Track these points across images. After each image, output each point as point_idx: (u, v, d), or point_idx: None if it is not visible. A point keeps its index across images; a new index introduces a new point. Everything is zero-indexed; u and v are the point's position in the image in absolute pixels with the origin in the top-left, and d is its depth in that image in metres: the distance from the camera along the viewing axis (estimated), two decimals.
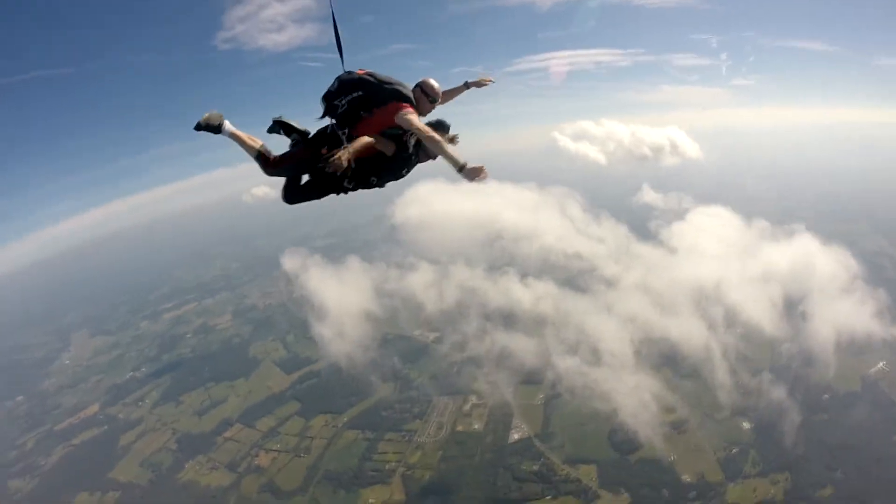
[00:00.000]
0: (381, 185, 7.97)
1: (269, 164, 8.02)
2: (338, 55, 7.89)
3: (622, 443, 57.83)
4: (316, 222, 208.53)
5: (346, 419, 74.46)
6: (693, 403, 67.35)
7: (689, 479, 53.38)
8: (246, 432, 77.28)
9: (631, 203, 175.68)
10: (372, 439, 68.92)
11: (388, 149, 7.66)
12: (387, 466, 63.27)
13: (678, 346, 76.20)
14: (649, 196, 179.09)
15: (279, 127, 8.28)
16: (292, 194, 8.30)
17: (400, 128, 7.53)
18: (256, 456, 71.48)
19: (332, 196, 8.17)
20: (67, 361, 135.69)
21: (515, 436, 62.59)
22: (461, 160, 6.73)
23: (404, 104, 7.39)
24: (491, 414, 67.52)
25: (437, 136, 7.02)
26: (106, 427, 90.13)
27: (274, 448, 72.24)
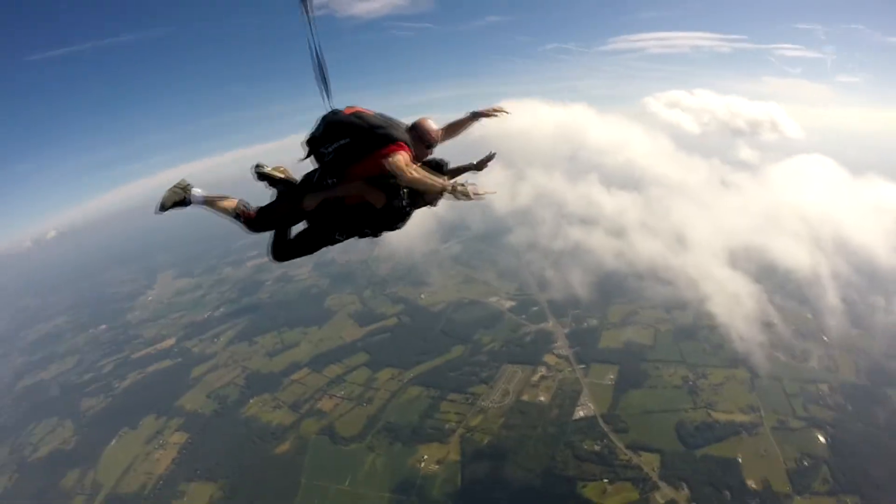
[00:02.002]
0: (377, 236, 7.55)
1: (249, 223, 7.66)
2: (325, 84, 7.45)
3: (689, 436, 55.95)
4: None
5: (412, 375, 76.25)
6: (790, 321, 68.63)
7: (753, 485, 50.92)
8: (313, 377, 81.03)
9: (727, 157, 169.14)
10: (435, 398, 70.25)
11: (378, 200, 7.14)
12: (446, 426, 64.31)
13: (778, 261, 73.05)
14: (745, 153, 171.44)
15: (260, 177, 7.96)
16: (281, 251, 7.89)
17: (389, 177, 6.95)
18: (320, 400, 74.87)
19: None
20: (151, 298, 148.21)
21: (581, 413, 61.82)
22: (448, 189, 6.62)
23: (392, 146, 6.79)
24: (559, 388, 67.04)
25: (426, 179, 6.64)
26: (180, 359, 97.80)
27: (338, 395, 75.33)
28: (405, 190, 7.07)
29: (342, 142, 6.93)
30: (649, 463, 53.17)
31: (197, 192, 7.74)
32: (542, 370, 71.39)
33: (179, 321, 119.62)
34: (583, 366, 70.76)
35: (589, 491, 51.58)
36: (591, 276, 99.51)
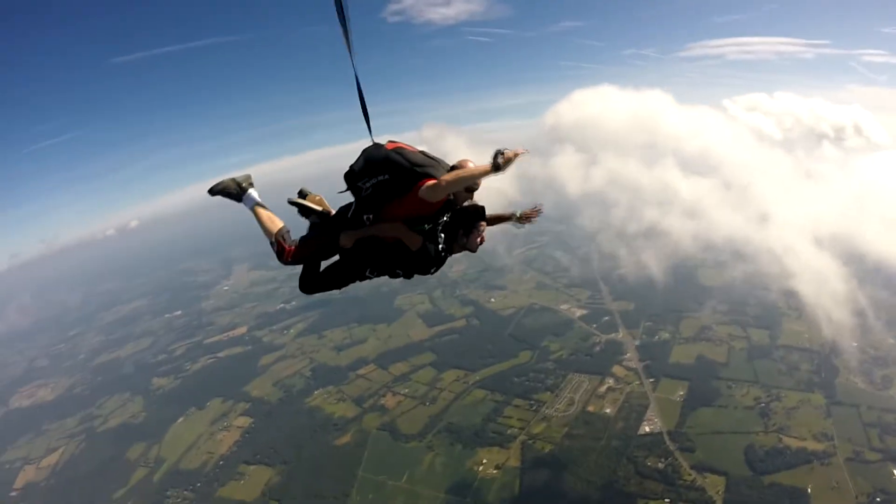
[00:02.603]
0: (409, 277, 7.31)
1: (283, 255, 7.53)
2: (366, 119, 7.02)
3: (758, 460, 53.31)
4: None
5: (477, 378, 76.60)
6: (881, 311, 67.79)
7: None
8: (378, 373, 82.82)
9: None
10: (499, 402, 70.21)
11: (413, 243, 6.89)
12: (508, 431, 64.17)
13: (868, 250, 69.68)
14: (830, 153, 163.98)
15: (296, 207, 7.84)
16: (310, 284, 7.74)
17: (426, 220, 6.88)
18: (384, 396, 76.47)
19: None
20: (226, 288, 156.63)
21: (647, 428, 60.38)
22: (489, 167, 6.06)
23: (427, 180, 6.61)
24: (626, 401, 65.72)
25: (461, 175, 6.38)
26: (250, 347, 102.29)
27: (402, 392, 76.64)
28: (442, 234, 6.97)
29: (381, 178, 6.81)
30: (714, 486, 51.16)
31: (253, 194, 7.95)
32: (610, 381, 70.20)
33: (252, 311, 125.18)
34: (652, 380, 69.09)
35: None
36: (666, 260, 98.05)
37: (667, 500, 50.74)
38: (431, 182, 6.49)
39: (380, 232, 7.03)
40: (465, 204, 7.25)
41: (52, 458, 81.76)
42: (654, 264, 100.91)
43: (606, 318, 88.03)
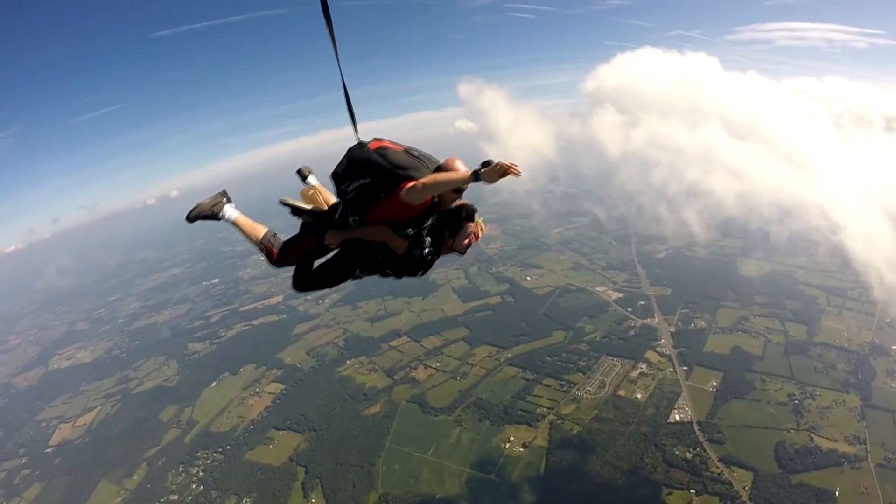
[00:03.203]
0: (399, 278, 7.30)
1: (272, 258, 7.60)
2: (354, 121, 7.04)
3: (787, 458, 52.17)
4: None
5: (509, 355, 76.89)
6: None
7: None
8: (411, 346, 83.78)
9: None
10: (530, 380, 70.42)
11: (398, 247, 6.89)
12: (538, 410, 64.42)
13: None
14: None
15: (288, 208, 7.92)
16: (303, 282, 7.77)
17: (411, 223, 6.79)
18: (415, 369, 77.47)
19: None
20: (263, 258, 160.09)
21: (677, 417, 59.70)
22: (469, 173, 5.84)
23: (407, 182, 6.41)
24: (658, 387, 65.09)
25: (439, 178, 6.17)
26: (285, 316, 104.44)
27: (433, 366, 77.49)
28: (428, 238, 6.90)
29: (363, 181, 6.70)
30: (741, 480, 50.49)
31: (229, 210, 7.85)
32: (643, 367, 69.56)
33: (288, 280, 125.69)
34: (685, 368, 68.18)
35: (673, 499, 49.93)
36: (709, 219, 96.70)
37: (692, 490, 50.35)
38: (410, 184, 6.33)
39: (365, 235, 7.05)
40: (454, 204, 7.09)
41: (88, 418, 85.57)
42: (695, 223, 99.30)
43: (642, 302, 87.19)
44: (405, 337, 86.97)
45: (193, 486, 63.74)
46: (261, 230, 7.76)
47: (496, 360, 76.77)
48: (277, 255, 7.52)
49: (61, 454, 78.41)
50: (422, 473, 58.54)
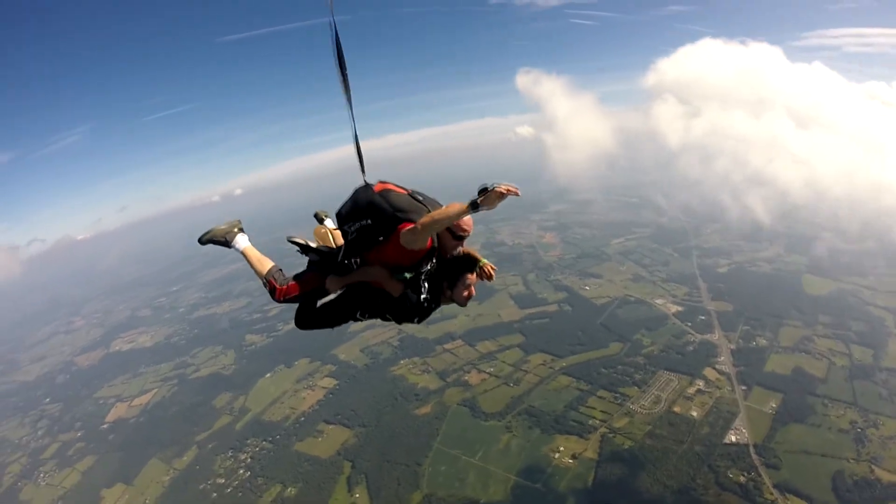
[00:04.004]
0: (399, 323, 7.09)
1: (275, 293, 7.60)
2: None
3: (845, 489, 49.58)
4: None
5: (564, 364, 75.99)
6: None
7: None
8: (465, 349, 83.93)
9: None
10: (584, 391, 69.39)
11: (395, 290, 6.76)
12: (590, 422, 63.36)
13: None
14: None
15: (295, 246, 7.89)
16: (305, 320, 7.67)
17: (409, 268, 6.68)
18: (468, 373, 77.59)
19: None
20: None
21: (733, 438, 57.64)
22: (465, 205, 5.62)
23: (405, 224, 6.30)
24: (714, 406, 63.06)
25: (436, 216, 5.94)
26: None
27: (486, 370, 77.45)
28: (426, 284, 6.78)
29: (364, 223, 6.62)
30: None
31: (240, 239, 8.26)
32: (700, 384, 67.57)
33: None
34: (744, 387, 65.93)
35: None
36: (774, 207, 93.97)
37: None
38: (409, 227, 6.21)
39: (365, 277, 7.01)
40: (455, 252, 6.96)
41: (144, 399, 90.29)
42: (760, 211, 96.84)
43: (702, 317, 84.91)
44: (460, 340, 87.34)
45: (241, 472, 66.13)
46: (267, 264, 7.94)
47: (550, 368, 76.09)
48: (280, 291, 7.57)
49: (115, 431, 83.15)
50: (468, 477, 58.69)
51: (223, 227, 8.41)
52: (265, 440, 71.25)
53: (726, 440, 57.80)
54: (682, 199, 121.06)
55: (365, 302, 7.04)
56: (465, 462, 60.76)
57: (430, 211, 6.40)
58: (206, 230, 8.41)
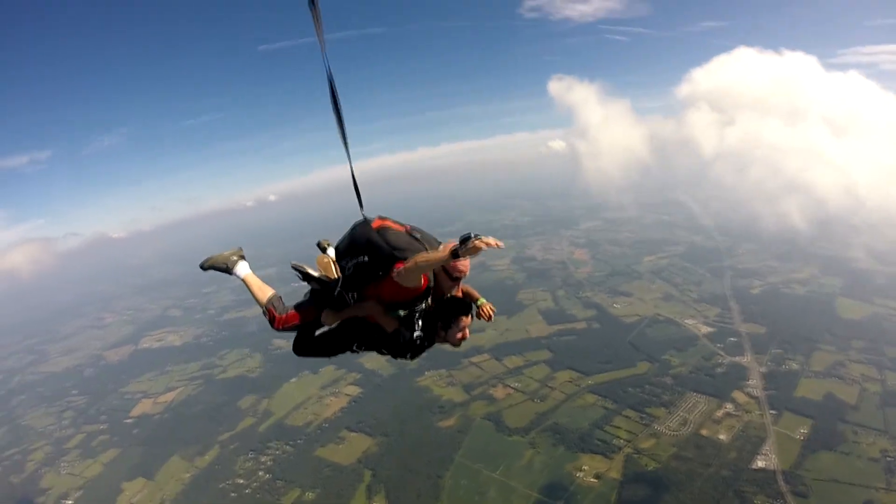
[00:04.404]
0: (395, 358, 7.21)
1: (273, 323, 7.63)
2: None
3: None
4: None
5: (591, 382, 75.29)
6: None
7: None
8: (492, 364, 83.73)
9: None
10: (610, 410, 68.60)
11: (389, 325, 6.90)
12: (615, 441, 62.61)
13: None
14: None
15: (297, 273, 7.85)
16: (303, 348, 7.73)
17: (404, 305, 6.80)
18: (494, 387, 77.38)
19: None
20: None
21: (760, 463, 56.13)
22: (447, 253, 5.79)
23: (399, 263, 6.34)
24: (743, 430, 61.63)
25: (421, 259, 6.06)
26: None
27: (512, 385, 77.18)
28: (420, 321, 6.84)
29: (361, 259, 6.70)
30: None
31: (241, 267, 8.35)
32: (729, 407, 66.19)
33: None
34: (774, 411, 64.21)
35: None
36: (811, 215, 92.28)
37: None
38: (400, 267, 6.25)
39: (360, 312, 7.07)
40: (452, 294, 7.15)
41: (169, 396, 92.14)
42: (797, 218, 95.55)
43: (733, 339, 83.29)
44: (487, 354, 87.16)
45: (260, 474, 66.87)
46: (267, 292, 7.95)
47: (577, 385, 75.50)
48: (279, 320, 7.59)
49: (140, 426, 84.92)
50: (489, 492, 58.32)
51: (225, 253, 8.52)
52: (287, 444, 72.02)
53: (754, 465, 56.35)
54: (716, 207, 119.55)
55: (361, 335, 7.18)
56: (486, 476, 60.45)
57: (426, 249, 6.49)
58: (206, 257, 8.62)
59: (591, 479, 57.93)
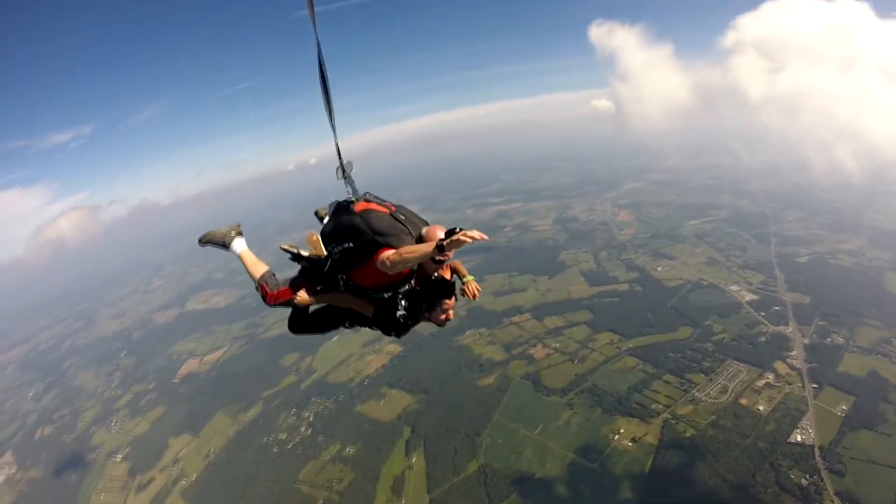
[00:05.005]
0: (385, 334, 7.24)
1: (266, 299, 7.74)
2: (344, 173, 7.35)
3: None
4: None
5: (631, 345, 75.45)
6: None
7: None
8: (532, 323, 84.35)
9: None
10: (650, 374, 68.77)
11: (367, 310, 7.04)
12: (653, 406, 62.90)
13: None
14: None
15: (288, 254, 8.02)
16: (297, 325, 7.88)
17: (387, 287, 6.94)
18: (533, 346, 78.06)
19: None
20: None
21: (798, 437, 55.43)
22: (433, 246, 5.81)
23: (383, 249, 6.40)
24: (782, 401, 60.80)
25: (409, 252, 6.07)
26: None
27: (552, 345, 77.73)
28: (403, 302, 6.96)
29: (346, 245, 6.75)
30: None
31: (237, 243, 8.53)
32: (770, 377, 65.29)
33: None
34: (815, 385, 63.01)
35: None
36: (866, 162, 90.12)
37: None
38: (383, 255, 6.30)
39: (337, 302, 7.29)
40: (436, 275, 7.26)
41: (215, 356, 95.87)
42: (849, 164, 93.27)
43: (777, 307, 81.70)
44: (527, 314, 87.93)
45: (302, 429, 69.50)
46: (261, 268, 8.14)
47: (617, 348, 75.71)
48: (271, 296, 7.75)
49: (186, 384, 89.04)
50: (525, 451, 59.50)
51: (222, 231, 8.67)
52: (329, 400, 74.43)
53: (791, 439, 55.78)
54: (764, 152, 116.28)
55: (351, 313, 7.37)
56: (523, 436, 61.65)
57: (410, 233, 6.66)
58: (205, 231, 8.82)
59: (627, 443, 58.61)
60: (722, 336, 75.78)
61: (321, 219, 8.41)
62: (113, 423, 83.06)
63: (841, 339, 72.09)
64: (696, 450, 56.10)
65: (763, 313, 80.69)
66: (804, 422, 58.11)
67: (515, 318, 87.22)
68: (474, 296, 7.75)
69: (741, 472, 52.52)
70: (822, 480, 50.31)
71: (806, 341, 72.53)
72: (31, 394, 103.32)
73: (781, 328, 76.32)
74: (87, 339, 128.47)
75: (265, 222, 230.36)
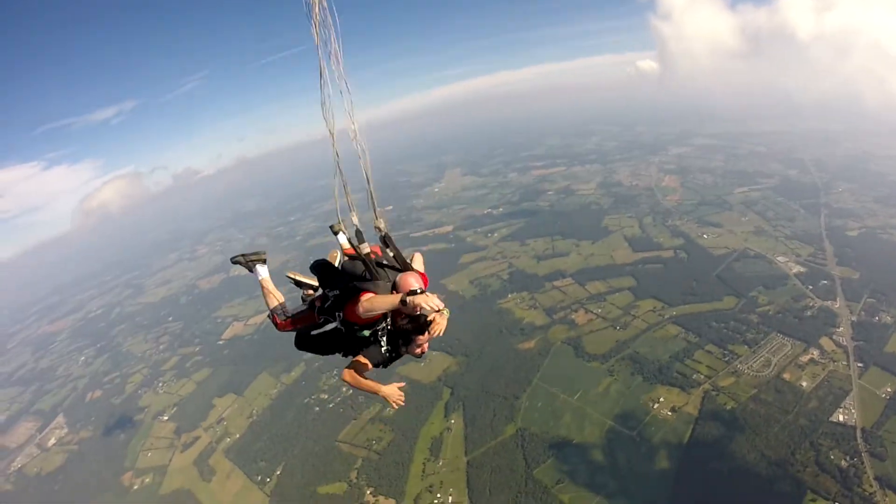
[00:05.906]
0: (374, 366, 7.55)
1: (277, 326, 8.44)
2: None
3: None
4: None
5: (674, 313, 74.63)
6: None
7: None
8: (574, 288, 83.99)
9: None
10: (692, 343, 68.03)
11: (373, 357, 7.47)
12: (694, 376, 62.31)
13: None
14: None
15: (292, 282, 8.73)
16: (302, 343, 8.32)
17: (366, 327, 7.27)
18: (576, 311, 77.79)
19: None
20: (437, 189, 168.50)
21: (840, 417, 54.02)
22: (397, 300, 6.36)
23: (363, 293, 6.91)
24: (826, 379, 59.15)
25: (376, 302, 6.64)
26: (453, 245, 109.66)
27: (594, 311, 77.32)
28: (384, 337, 7.31)
29: (335, 293, 7.47)
30: None
31: (261, 270, 9.29)
32: (814, 353, 63.50)
33: (460, 213, 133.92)
34: (860, 364, 61.00)
35: None
36: None
37: (836, 503, 45.65)
38: (359, 302, 6.74)
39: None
40: (412, 313, 7.22)
41: (259, 319, 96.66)
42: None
43: (825, 281, 79.08)
44: (570, 279, 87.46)
45: (344, 390, 70.91)
46: (276, 300, 8.82)
47: (660, 315, 75.05)
48: (280, 325, 8.48)
49: (230, 347, 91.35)
50: (563, 416, 60.05)
51: (252, 255, 9.50)
52: None
53: (833, 418, 54.40)
54: (816, 89, 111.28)
55: (345, 345, 7.75)
56: (563, 401, 62.13)
57: (388, 280, 7.32)
58: (236, 253, 9.76)
59: (667, 412, 58.56)
60: (767, 308, 73.96)
61: (336, 233, 8.41)
62: (160, 385, 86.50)
63: (889, 319, 69.09)
64: (736, 423, 55.45)
65: (810, 287, 78.19)
66: (847, 401, 56.56)
67: (558, 283, 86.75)
68: (438, 333, 7.49)
69: (780, 449, 51.70)
70: (862, 463, 49.14)
71: (853, 318, 69.97)
72: (82, 359, 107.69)
73: (829, 303, 73.91)
74: (136, 307, 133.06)
75: (307, 189, 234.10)
